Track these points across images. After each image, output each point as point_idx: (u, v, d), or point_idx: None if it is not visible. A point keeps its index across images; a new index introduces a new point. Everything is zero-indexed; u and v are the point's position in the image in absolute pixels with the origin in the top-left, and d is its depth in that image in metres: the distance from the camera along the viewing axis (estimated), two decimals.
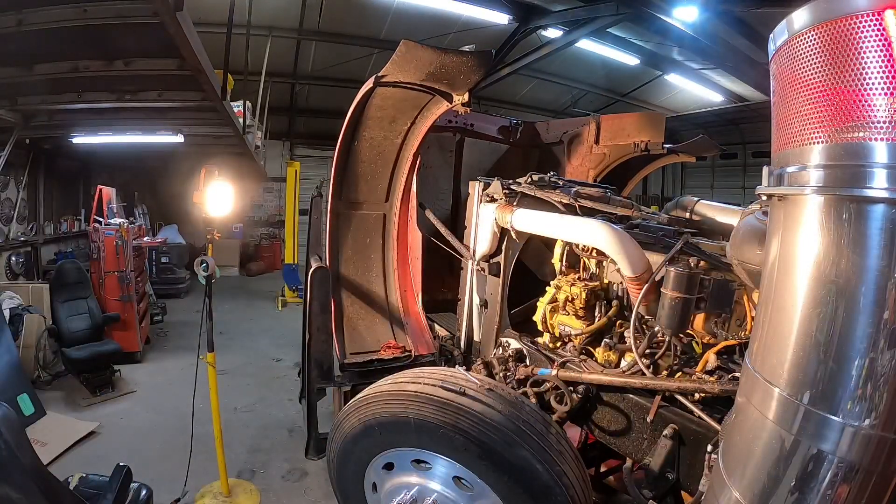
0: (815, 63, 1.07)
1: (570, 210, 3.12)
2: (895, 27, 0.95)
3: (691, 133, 4.83)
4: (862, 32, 0.98)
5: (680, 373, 2.33)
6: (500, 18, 8.44)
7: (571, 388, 2.50)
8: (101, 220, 6.53)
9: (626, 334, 2.68)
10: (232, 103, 6.19)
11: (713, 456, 1.67)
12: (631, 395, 2.41)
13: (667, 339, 2.60)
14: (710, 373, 2.09)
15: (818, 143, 1.09)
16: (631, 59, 10.12)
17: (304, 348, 3.52)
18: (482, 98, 11.69)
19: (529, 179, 3.42)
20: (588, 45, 9.40)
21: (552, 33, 9.12)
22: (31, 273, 7.30)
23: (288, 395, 5.40)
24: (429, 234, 3.92)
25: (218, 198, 3.80)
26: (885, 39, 0.96)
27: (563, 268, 3.27)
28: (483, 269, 3.28)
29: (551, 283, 3.28)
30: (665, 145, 4.29)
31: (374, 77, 2.84)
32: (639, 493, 2.12)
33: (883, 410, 0.96)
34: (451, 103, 3.10)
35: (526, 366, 2.88)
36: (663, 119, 4.43)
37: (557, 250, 3.27)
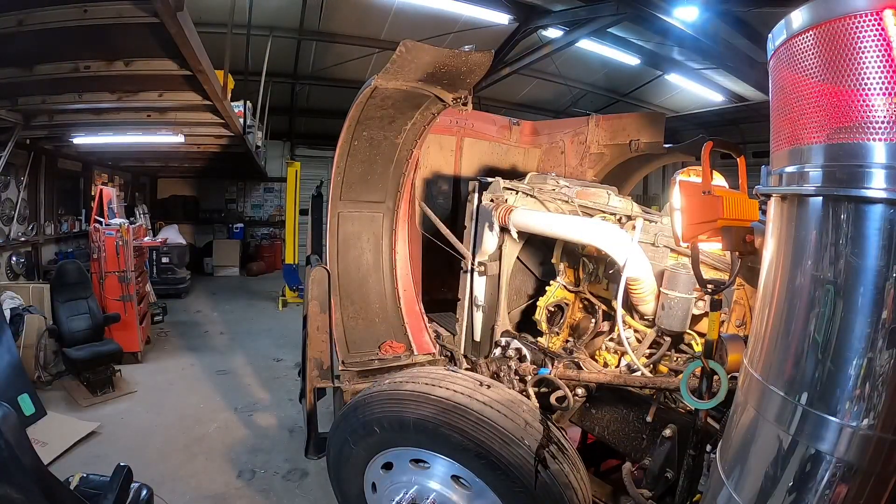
0: (813, 63, 1.07)
1: (569, 210, 3.12)
2: (894, 27, 0.95)
3: (692, 133, 4.82)
4: (861, 32, 0.98)
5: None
6: (501, 18, 8.43)
7: (571, 388, 2.50)
8: (101, 220, 6.53)
9: (625, 334, 2.69)
10: (232, 103, 6.18)
11: (712, 456, 1.66)
12: (630, 395, 2.41)
13: (666, 339, 2.60)
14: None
15: (817, 143, 1.09)
16: (631, 59, 10.10)
17: (303, 348, 3.52)
18: (482, 98, 11.68)
19: (529, 179, 3.43)
20: (588, 45, 9.39)
21: (552, 33, 9.11)
22: (32, 273, 7.28)
23: (288, 395, 5.40)
24: (429, 234, 3.92)
25: None
26: (884, 39, 0.96)
27: (563, 268, 3.27)
28: (483, 269, 3.28)
29: (551, 282, 3.28)
30: (665, 145, 4.29)
31: (373, 78, 2.84)
32: (638, 492, 2.12)
33: (881, 411, 0.96)
34: (450, 103, 3.10)
35: (526, 365, 2.88)
36: (663, 119, 4.43)
37: (557, 250, 3.28)
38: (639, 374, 2.51)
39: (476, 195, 3.37)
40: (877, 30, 0.96)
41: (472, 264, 3.34)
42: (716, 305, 1.76)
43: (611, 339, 2.92)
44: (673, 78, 11.23)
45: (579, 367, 2.62)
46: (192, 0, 3.41)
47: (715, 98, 12.02)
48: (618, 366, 2.80)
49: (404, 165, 3.64)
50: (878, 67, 0.96)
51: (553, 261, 3.29)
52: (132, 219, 8.24)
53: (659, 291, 2.50)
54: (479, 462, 2.03)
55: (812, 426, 1.03)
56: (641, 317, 2.71)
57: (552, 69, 10.82)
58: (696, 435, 1.88)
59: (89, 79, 4.46)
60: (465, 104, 3.11)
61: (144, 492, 2.54)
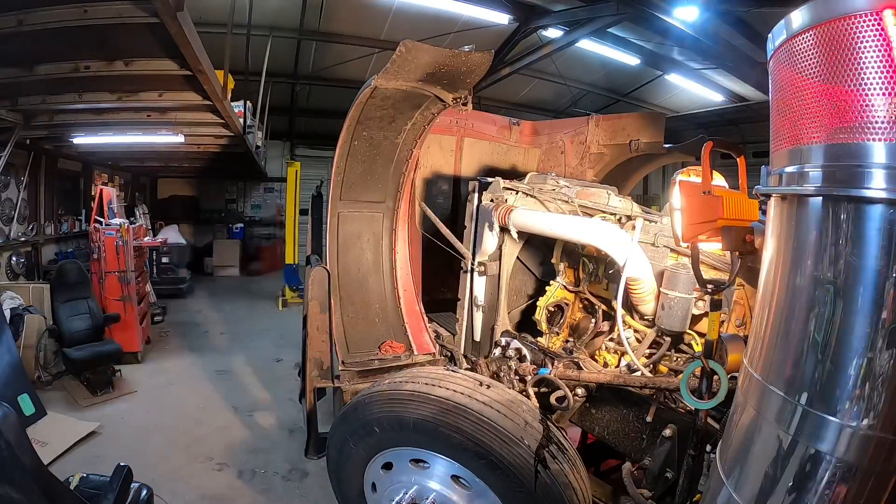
0: (813, 63, 1.07)
1: (569, 210, 3.12)
2: (894, 27, 0.95)
3: (692, 133, 4.82)
4: (860, 32, 0.98)
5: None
6: (501, 18, 8.43)
7: (571, 388, 2.50)
8: (101, 220, 6.53)
9: (625, 334, 2.69)
10: (232, 103, 6.18)
11: (712, 456, 1.67)
12: (630, 395, 2.41)
13: (666, 339, 2.60)
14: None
15: (817, 143, 1.09)
16: (631, 59, 10.10)
17: (303, 348, 3.52)
18: (482, 98, 11.68)
19: (529, 179, 3.43)
20: (588, 45, 9.38)
21: (552, 33, 9.10)
22: (32, 273, 7.28)
23: (288, 395, 5.40)
24: (429, 234, 3.92)
25: None
26: (884, 39, 0.96)
27: (563, 268, 3.27)
28: (483, 269, 3.28)
29: (551, 282, 3.28)
30: (665, 145, 4.29)
31: (373, 78, 2.85)
32: (638, 492, 2.12)
33: (881, 411, 0.96)
34: (450, 103, 3.10)
35: (526, 365, 2.88)
36: (663, 119, 4.42)
37: (557, 250, 3.28)
38: (639, 374, 2.51)
39: (476, 195, 3.37)
40: (877, 30, 0.96)
41: (472, 264, 3.34)
42: (716, 305, 1.76)
43: (611, 339, 2.92)
44: (673, 78, 11.23)
45: (579, 367, 2.62)
46: (192, 0, 3.41)
47: (715, 98, 12.02)
48: (618, 366, 2.80)
49: (404, 165, 3.64)
50: (878, 67, 0.96)
51: (553, 261, 3.29)
52: (132, 219, 8.24)
53: (659, 291, 2.50)
54: (478, 462, 2.03)
55: (812, 426, 1.03)
56: (641, 317, 2.71)
57: (552, 69, 10.82)
58: (696, 435, 1.88)
59: (89, 79, 4.46)
60: (465, 104, 3.11)
61: (144, 492, 2.54)
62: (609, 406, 2.49)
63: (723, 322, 2.29)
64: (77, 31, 3.43)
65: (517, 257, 3.42)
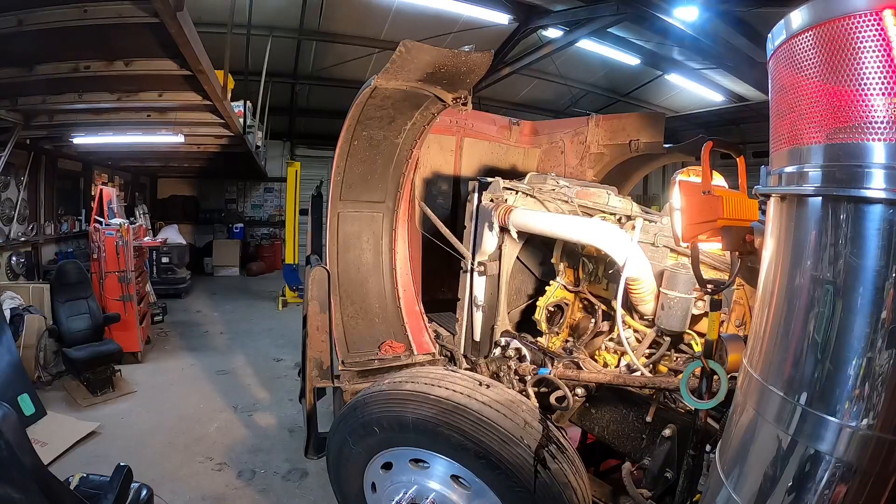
0: (813, 63, 1.07)
1: (569, 210, 3.12)
2: (894, 27, 0.95)
3: (692, 133, 4.81)
4: (860, 32, 0.98)
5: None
6: (501, 18, 8.43)
7: (571, 388, 2.50)
8: (101, 220, 6.53)
9: (625, 334, 2.69)
10: (232, 103, 6.18)
11: (712, 456, 1.66)
12: (630, 395, 2.41)
13: (666, 339, 2.60)
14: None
15: (816, 143, 1.09)
16: (631, 59, 10.11)
17: (303, 348, 3.52)
18: (482, 98, 11.68)
19: (529, 179, 3.43)
20: (588, 45, 9.39)
21: (552, 33, 9.11)
22: (32, 273, 7.29)
23: (288, 395, 5.40)
24: (429, 234, 3.92)
25: None
26: (884, 39, 0.96)
27: (563, 268, 3.27)
28: (483, 269, 3.28)
29: (551, 282, 3.29)
30: (665, 145, 4.29)
31: (373, 78, 2.85)
32: (638, 492, 2.12)
33: (881, 411, 0.96)
34: (450, 103, 3.10)
35: (526, 365, 2.88)
36: (663, 119, 4.42)
37: (557, 250, 3.28)
38: (638, 374, 2.51)
39: (476, 195, 3.37)
40: (876, 30, 0.96)
41: (472, 264, 3.34)
42: (716, 305, 1.76)
43: (610, 339, 2.92)
44: (673, 78, 11.23)
45: (579, 367, 2.62)
46: (192, 0, 3.41)
47: (715, 98, 12.02)
48: (617, 366, 2.80)
49: (404, 165, 3.64)
50: (878, 67, 0.96)
51: (553, 261, 3.29)
52: (132, 219, 8.24)
53: (659, 291, 2.50)
54: (478, 462, 2.03)
55: (811, 426, 1.03)
56: (641, 317, 2.71)
57: (552, 69, 10.82)
58: (695, 435, 1.88)
59: (89, 79, 4.47)
60: (464, 104, 3.11)
61: (144, 492, 2.54)
62: (609, 406, 2.49)
63: (723, 322, 2.29)
64: (77, 31, 3.44)
65: (517, 257, 3.42)
